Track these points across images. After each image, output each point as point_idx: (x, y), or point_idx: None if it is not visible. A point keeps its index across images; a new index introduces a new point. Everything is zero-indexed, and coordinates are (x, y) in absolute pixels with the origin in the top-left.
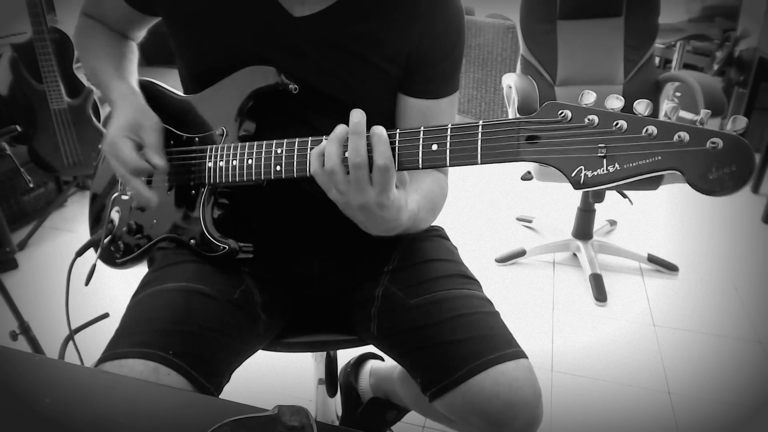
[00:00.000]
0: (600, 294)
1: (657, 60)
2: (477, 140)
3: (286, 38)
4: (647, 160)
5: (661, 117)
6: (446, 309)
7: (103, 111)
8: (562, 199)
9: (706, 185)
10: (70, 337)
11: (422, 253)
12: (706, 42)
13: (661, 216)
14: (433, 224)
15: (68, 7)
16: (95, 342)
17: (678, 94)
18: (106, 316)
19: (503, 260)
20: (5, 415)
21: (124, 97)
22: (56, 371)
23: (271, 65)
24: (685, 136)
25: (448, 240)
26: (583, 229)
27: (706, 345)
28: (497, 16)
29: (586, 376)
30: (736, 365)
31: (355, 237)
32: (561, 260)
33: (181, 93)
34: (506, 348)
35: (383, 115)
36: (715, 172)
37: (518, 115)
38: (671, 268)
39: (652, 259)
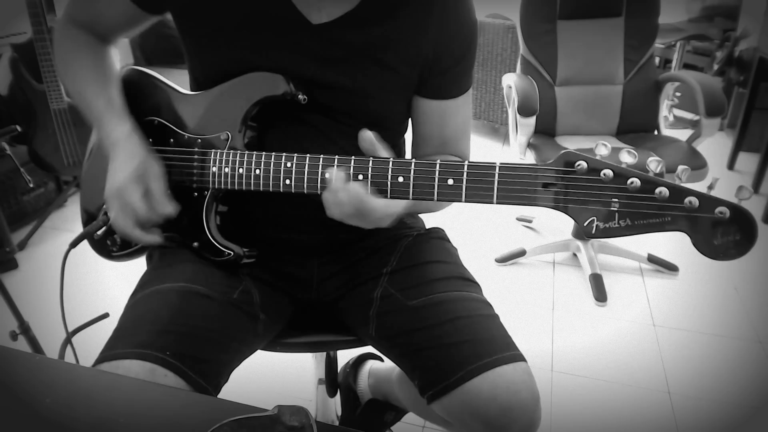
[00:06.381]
0: (600, 294)
1: (657, 60)
2: (494, 181)
3: (304, 45)
4: (657, 220)
5: (661, 118)
6: (445, 311)
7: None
8: None
9: (710, 250)
10: (69, 338)
11: (421, 254)
12: (706, 42)
13: None
14: (433, 225)
15: None
16: (95, 342)
17: (678, 94)
18: (105, 316)
19: (503, 260)
20: (5, 415)
21: (127, 139)
22: (56, 371)
23: (288, 72)
24: (695, 201)
25: (449, 241)
26: None
27: (706, 345)
28: (497, 16)
29: (586, 376)
30: (736, 365)
31: (355, 240)
32: (561, 260)
33: (175, 86)
34: (504, 351)
35: (396, 118)
36: (720, 238)
37: (518, 115)
38: (671, 268)
39: (652, 259)
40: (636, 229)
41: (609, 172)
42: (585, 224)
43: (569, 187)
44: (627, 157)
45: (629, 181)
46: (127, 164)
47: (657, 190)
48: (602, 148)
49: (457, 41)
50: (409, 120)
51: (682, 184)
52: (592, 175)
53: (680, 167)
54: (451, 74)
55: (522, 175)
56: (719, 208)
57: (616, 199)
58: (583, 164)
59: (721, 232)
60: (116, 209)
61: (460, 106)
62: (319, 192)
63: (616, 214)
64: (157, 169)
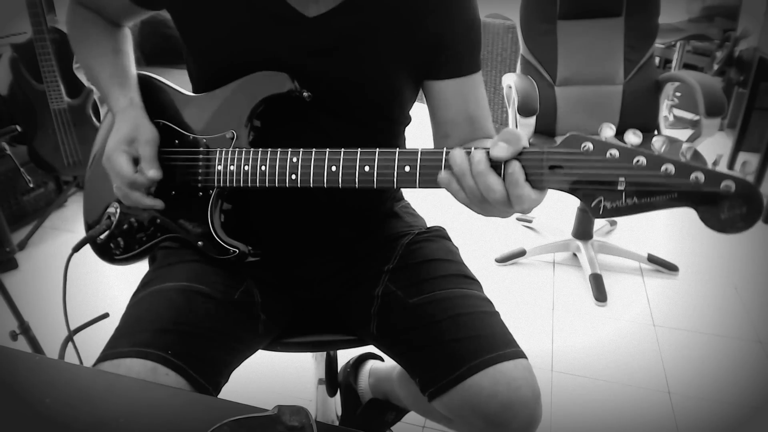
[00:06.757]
0: (600, 294)
1: (657, 60)
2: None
3: (302, 40)
4: (664, 197)
5: (661, 118)
6: (446, 308)
7: (103, 110)
8: (562, 199)
9: (717, 224)
10: (70, 337)
11: (422, 253)
12: (706, 42)
13: (661, 216)
14: (434, 224)
15: None
16: (95, 342)
17: (678, 94)
18: (106, 316)
19: (503, 260)
20: (5, 415)
21: (122, 111)
22: (56, 371)
23: (287, 68)
24: (701, 176)
25: (449, 240)
26: (583, 229)
27: (706, 345)
28: (497, 16)
29: (586, 376)
30: (736, 365)
31: (356, 238)
32: (561, 260)
33: (180, 89)
34: (505, 348)
35: (397, 107)
36: (727, 212)
37: (518, 115)
38: (671, 268)
39: (652, 259)
40: (643, 208)
41: (615, 152)
42: (592, 205)
43: (576, 169)
44: (632, 138)
45: (635, 160)
46: (117, 133)
47: (663, 167)
48: (607, 130)
49: (458, 19)
50: (410, 113)
51: (687, 161)
52: (598, 155)
53: (684, 145)
54: (455, 51)
55: (528, 159)
56: (725, 182)
57: (623, 178)
58: (589, 145)
59: (728, 206)
60: (111, 174)
61: (477, 84)
62: (325, 185)
63: (623, 193)
64: (146, 136)
